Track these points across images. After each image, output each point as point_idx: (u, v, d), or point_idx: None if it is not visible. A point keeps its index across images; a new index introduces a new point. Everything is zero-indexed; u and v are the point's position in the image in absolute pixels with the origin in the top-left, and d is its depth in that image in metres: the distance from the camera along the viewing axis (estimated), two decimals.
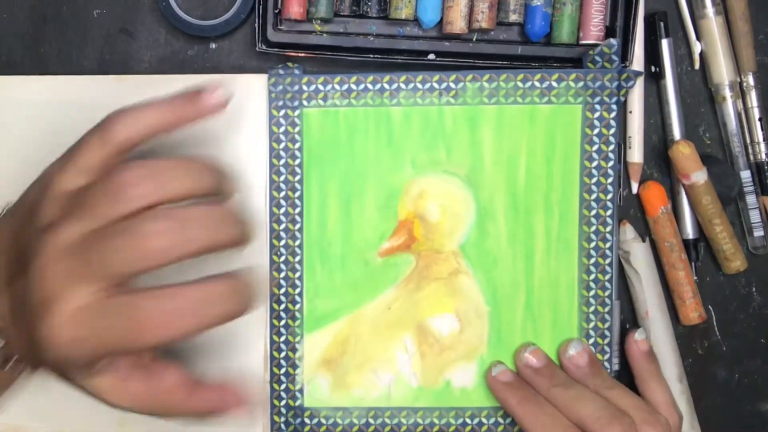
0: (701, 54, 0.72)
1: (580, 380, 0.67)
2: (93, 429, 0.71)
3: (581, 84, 0.68)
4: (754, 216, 0.72)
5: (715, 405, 0.74)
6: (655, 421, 0.63)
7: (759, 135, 0.71)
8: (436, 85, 0.69)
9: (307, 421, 0.70)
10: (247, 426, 0.71)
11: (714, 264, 0.74)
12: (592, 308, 0.69)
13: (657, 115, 0.73)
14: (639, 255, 0.71)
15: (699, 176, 0.70)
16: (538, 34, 0.69)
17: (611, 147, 0.68)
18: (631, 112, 0.71)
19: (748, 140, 0.72)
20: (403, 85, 0.69)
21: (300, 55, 0.70)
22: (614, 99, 0.68)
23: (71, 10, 0.72)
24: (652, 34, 0.71)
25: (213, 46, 0.73)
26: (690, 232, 0.73)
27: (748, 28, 0.71)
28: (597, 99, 0.68)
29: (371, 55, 0.70)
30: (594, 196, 0.69)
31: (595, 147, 0.68)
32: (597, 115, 0.68)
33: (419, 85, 0.69)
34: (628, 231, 0.71)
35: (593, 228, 0.69)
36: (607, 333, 0.69)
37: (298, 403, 0.70)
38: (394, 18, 0.69)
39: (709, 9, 0.70)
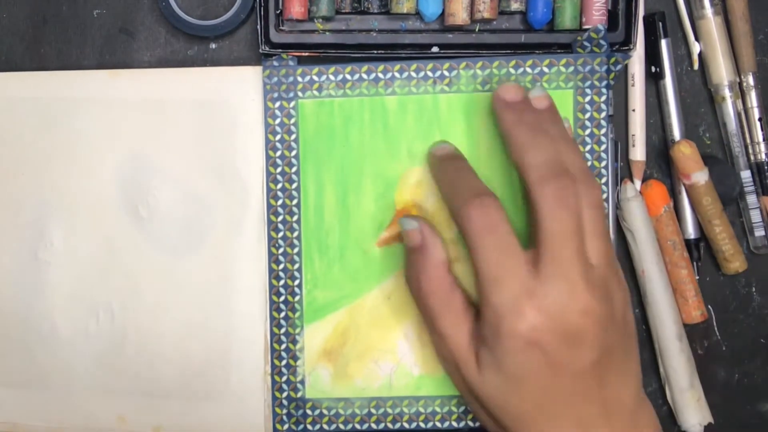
0: (700, 54, 0.70)
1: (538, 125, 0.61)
2: (93, 427, 0.70)
3: (572, 69, 0.66)
4: (755, 216, 0.70)
5: (715, 405, 0.72)
6: (593, 186, 0.58)
7: (759, 135, 0.69)
8: (430, 74, 0.67)
9: (309, 412, 0.68)
10: (250, 418, 0.69)
11: (714, 264, 0.72)
12: None
13: (657, 115, 0.71)
14: (633, 212, 0.69)
15: (700, 176, 0.68)
16: (540, 21, 0.67)
17: (602, 131, 0.66)
18: (633, 110, 0.69)
19: (748, 140, 0.70)
20: (397, 74, 0.67)
21: (304, 54, 0.68)
22: (604, 83, 0.66)
23: (71, 10, 0.71)
24: (651, 34, 0.69)
25: (213, 46, 0.71)
26: (691, 231, 0.71)
27: (748, 28, 0.69)
28: (587, 83, 0.66)
29: (375, 51, 0.68)
30: None
31: (588, 131, 0.66)
32: (588, 99, 0.66)
33: (413, 74, 0.67)
34: (629, 189, 0.69)
35: None
36: None
37: (299, 394, 0.68)
38: (395, 13, 0.68)
39: (708, 9, 0.68)
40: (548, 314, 0.55)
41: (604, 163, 0.66)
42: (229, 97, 0.68)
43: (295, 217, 0.68)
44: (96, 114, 0.69)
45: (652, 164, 0.71)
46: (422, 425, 0.68)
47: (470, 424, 0.68)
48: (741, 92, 0.70)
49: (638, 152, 0.70)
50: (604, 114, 0.66)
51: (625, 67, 0.69)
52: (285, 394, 0.68)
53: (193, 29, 0.70)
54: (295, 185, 0.68)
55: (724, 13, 0.69)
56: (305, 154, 0.68)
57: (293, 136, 0.68)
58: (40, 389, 0.70)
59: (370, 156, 0.68)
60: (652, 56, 0.69)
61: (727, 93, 0.69)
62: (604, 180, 0.67)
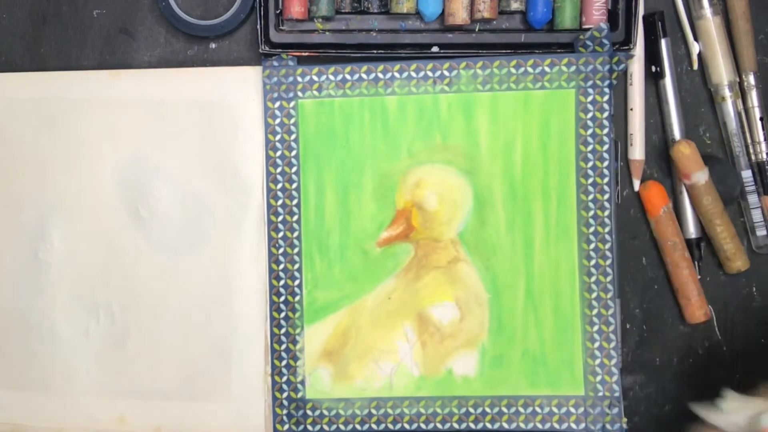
0: (699, 54, 0.69)
1: None
2: (93, 428, 0.69)
3: (573, 68, 0.66)
4: (756, 215, 0.69)
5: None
6: None
7: (760, 134, 0.69)
8: (430, 74, 0.67)
9: (309, 412, 0.68)
10: (250, 419, 0.68)
11: (715, 263, 0.71)
12: (594, 294, 0.66)
13: (657, 114, 0.70)
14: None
15: (700, 176, 0.67)
16: (540, 20, 0.67)
17: (605, 131, 0.66)
18: (632, 109, 0.69)
19: (748, 140, 0.69)
20: (397, 74, 0.67)
21: (304, 54, 0.68)
22: (606, 82, 0.65)
23: (71, 10, 0.71)
24: (651, 33, 0.68)
25: (213, 46, 0.71)
26: (692, 231, 0.70)
27: (749, 28, 0.68)
28: (589, 83, 0.66)
29: (375, 51, 0.67)
30: (591, 180, 0.66)
31: (590, 131, 0.66)
32: (590, 99, 0.66)
33: (413, 74, 0.67)
34: None
35: (591, 213, 0.66)
36: (611, 320, 0.67)
37: (299, 395, 0.68)
38: (395, 12, 0.67)
39: (707, 9, 0.68)
40: None
41: (606, 163, 0.66)
42: (229, 97, 0.68)
43: (296, 218, 0.67)
44: (96, 114, 0.69)
45: (653, 164, 0.70)
46: (423, 426, 0.67)
47: (471, 425, 0.67)
48: (741, 92, 0.69)
49: (637, 151, 0.69)
50: (606, 114, 0.66)
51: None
52: (285, 395, 0.68)
53: (193, 29, 0.69)
54: (295, 185, 0.67)
55: (725, 12, 0.69)
56: (305, 154, 0.67)
57: (293, 136, 0.67)
58: (41, 390, 0.69)
59: (370, 156, 0.67)
60: (652, 56, 0.69)
61: (727, 93, 0.68)
62: (606, 180, 0.66)
